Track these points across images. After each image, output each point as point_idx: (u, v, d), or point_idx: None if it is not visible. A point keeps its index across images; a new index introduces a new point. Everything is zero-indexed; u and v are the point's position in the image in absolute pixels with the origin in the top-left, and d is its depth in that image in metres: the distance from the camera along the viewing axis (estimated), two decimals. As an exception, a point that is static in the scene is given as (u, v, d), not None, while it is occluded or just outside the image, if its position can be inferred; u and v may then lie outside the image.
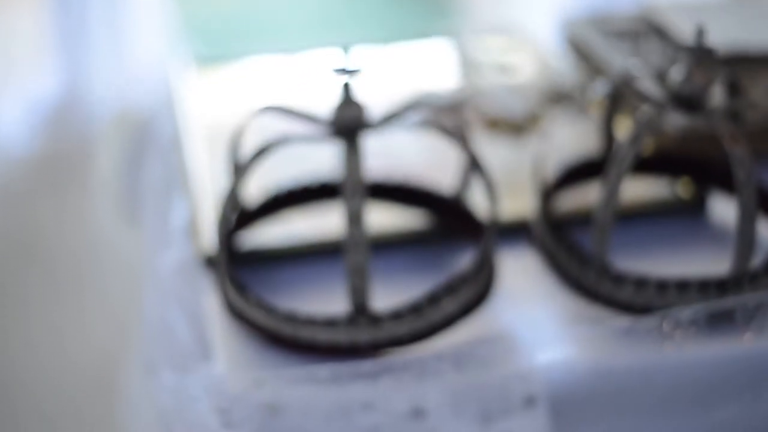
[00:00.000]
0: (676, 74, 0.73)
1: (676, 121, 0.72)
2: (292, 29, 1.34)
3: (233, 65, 1.11)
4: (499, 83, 1.02)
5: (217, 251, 0.73)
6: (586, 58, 1.02)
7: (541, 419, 0.66)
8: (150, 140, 1.11)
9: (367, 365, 0.66)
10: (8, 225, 1.78)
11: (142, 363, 0.84)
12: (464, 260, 0.79)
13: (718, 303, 0.69)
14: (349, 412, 0.65)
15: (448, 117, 0.78)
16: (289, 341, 0.70)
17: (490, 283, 0.72)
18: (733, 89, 0.76)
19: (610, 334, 0.69)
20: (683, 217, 0.84)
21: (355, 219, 0.67)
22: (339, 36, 1.17)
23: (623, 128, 0.86)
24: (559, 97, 1.00)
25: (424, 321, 0.69)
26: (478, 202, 0.79)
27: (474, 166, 0.72)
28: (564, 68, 1.04)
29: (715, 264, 0.74)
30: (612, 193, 0.70)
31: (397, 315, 0.68)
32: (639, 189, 0.84)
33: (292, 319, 0.69)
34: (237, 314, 0.72)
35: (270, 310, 0.70)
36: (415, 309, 0.69)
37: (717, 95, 0.78)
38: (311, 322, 0.69)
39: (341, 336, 0.69)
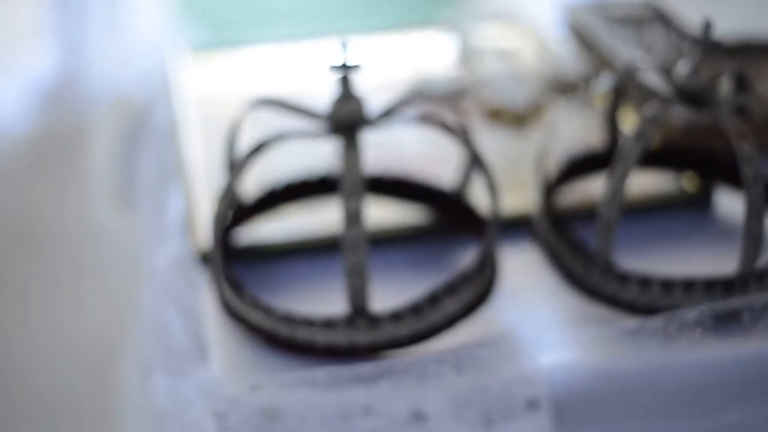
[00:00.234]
0: (683, 68, 0.71)
1: (682, 116, 0.71)
2: (291, 16, 1.33)
3: (231, 52, 1.09)
4: (500, 71, 1.01)
5: (213, 249, 0.72)
6: (588, 46, 1.01)
7: (544, 423, 0.64)
8: (145, 128, 1.09)
9: (366, 368, 0.65)
10: (4, 204, 1.77)
11: (138, 362, 0.83)
12: (465, 257, 0.78)
13: (725, 303, 0.68)
14: (348, 416, 0.63)
15: (449, 107, 0.76)
16: (287, 342, 0.69)
17: (491, 282, 0.71)
18: (741, 83, 0.74)
19: (615, 336, 0.67)
20: (688, 211, 0.82)
21: (353, 219, 0.65)
22: (339, 23, 1.16)
23: (628, 120, 0.85)
24: (562, 87, 0.98)
25: (424, 322, 0.68)
26: (479, 197, 0.77)
27: (475, 162, 0.71)
28: (567, 56, 1.03)
29: (721, 260, 0.73)
30: (617, 191, 0.68)
31: (396, 316, 0.67)
32: (643, 183, 0.82)
33: (289, 319, 0.68)
34: (233, 314, 0.71)
35: (267, 311, 0.68)
36: (415, 309, 0.67)
37: (724, 87, 0.76)
38: (309, 323, 0.67)
39: (340, 337, 0.67)
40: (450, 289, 0.68)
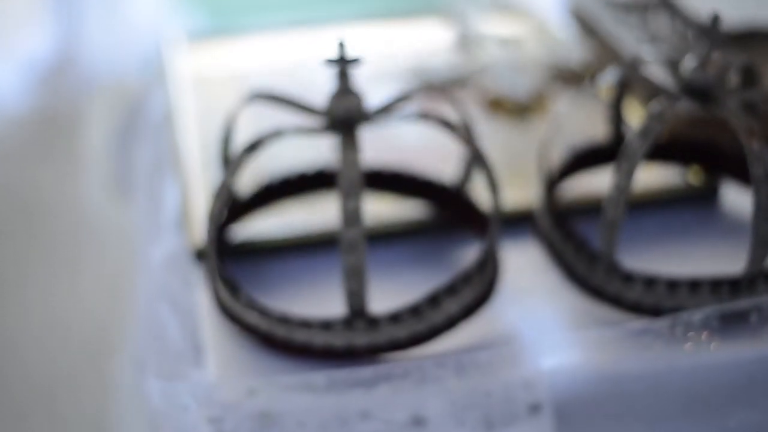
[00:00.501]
0: (689, 62, 0.69)
1: (688, 111, 0.69)
2: (289, 3, 1.31)
3: (228, 39, 1.08)
4: (501, 59, 0.99)
5: (207, 249, 0.70)
6: (592, 32, 0.99)
7: (546, 427, 0.63)
8: (141, 117, 1.07)
9: (364, 372, 0.63)
10: (1, 182, 1.77)
11: (133, 361, 0.81)
12: (465, 253, 0.76)
13: (732, 304, 0.66)
14: (347, 421, 0.62)
15: (449, 96, 0.74)
16: (284, 343, 0.67)
17: (493, 282, 0.69)
18: (748, 77, 0.72)
19: (619, 338, 0.66)
20: (694, 205, 0.80)
21: (352, 219, 0.64)
22: (338, 10, 1.14)
23: (633, 114, 0.83)
24: (565, 75, 0.96)
25: (424, 323, 0.66)
26: (480, 192, 0.75)
27: (476, 159, 0.69)
28: (570, 43, 1.01)
29: (728, 256, 0.71)
30: (622, 189, 0.67)
31: (395, 317, 0.66)
32: (647, 176, 0.80)
33: (286, 320, 0.66)
34: (229, 315, 0.69)
35: (263, 312, 0.67)
36: (415, 310, 0.66)
37: (731, 80, 0.74)
38: (306, 324, 0.66)
39: (338, 339, 0.66)
40: (450, 289, 0.66)
